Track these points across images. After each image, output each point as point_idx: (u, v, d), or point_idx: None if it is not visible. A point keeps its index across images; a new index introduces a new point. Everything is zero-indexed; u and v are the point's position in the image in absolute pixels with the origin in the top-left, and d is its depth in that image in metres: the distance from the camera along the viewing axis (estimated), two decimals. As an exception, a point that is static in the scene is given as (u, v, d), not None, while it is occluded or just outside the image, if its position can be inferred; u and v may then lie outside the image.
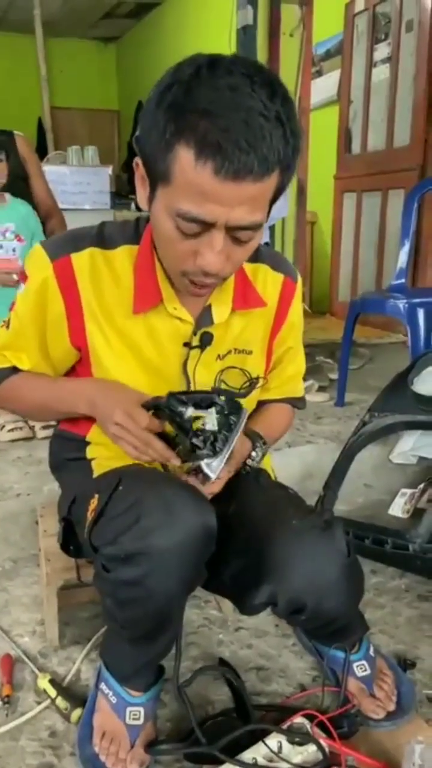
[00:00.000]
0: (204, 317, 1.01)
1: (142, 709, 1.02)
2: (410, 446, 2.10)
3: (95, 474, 1.05)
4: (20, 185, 2.47)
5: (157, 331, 1.00)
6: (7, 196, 2.33)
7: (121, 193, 5.43)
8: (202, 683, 1.16)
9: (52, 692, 1.14)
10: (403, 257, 2.82)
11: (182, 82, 0.77)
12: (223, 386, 1.07)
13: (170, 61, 0.81)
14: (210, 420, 0.90)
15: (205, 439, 0.89)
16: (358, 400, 2.73)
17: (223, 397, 0.93)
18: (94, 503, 0.95)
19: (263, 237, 1.09)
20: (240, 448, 1.02)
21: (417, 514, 1.76)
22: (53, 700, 1.13)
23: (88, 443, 1.10)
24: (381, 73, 3.87)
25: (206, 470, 0.90)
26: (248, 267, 1.05)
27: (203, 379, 1.04)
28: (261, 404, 1.18)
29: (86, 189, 3.69)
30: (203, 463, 0.90)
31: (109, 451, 1.05)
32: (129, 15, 6.65)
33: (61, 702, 1.12)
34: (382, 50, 3.86)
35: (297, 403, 1.23)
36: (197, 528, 0.87)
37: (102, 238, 0.99)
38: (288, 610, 0.97)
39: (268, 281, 1.07)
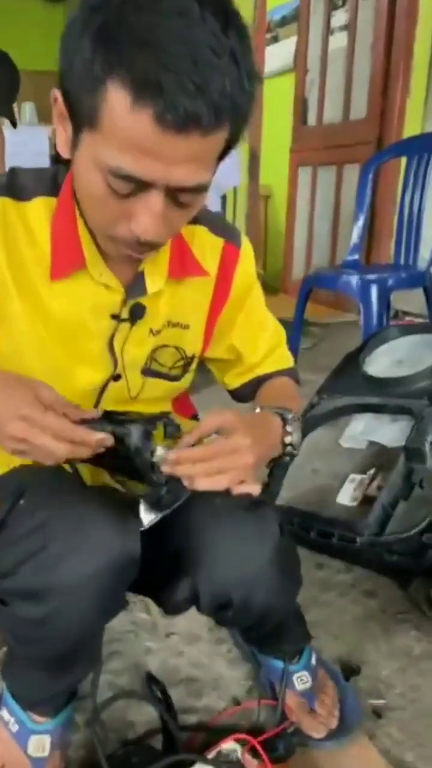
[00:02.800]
0: (136, 286, 0.84)
1: (48, 738, 0.88)
2: (360, 429, 2.01)
3: None
4: None
5: (78, 301, 0.82)
6: None
7: (62, 159, 5.15)
8: (123, 702, 1.03)
9: None
10: (356, 232, 2.72)
11: (115, 2, 0.60)
12: (154, 365, 0.91)
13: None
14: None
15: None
16: (309, 381, 2.61)
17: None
18: None
19: (213, 207, 0.93)
20: (266, 433, 0.84)
21: (366, 501, 1.66)
22: None
23: None
24: (338, 40, 3.72)
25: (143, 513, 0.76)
26: (184, 229, 0.86)
27: (133, 358, 0.88)
28: (254, 384, 1.01)
29: (23, 149, 3.40)
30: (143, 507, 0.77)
31: None
32: (78, -28, 6.30)
33: None
34: (340, 17, 3.71)
35: (293, 374, 1.04)
36: (115, 553, 0.72)
37: (14, 187, 0.80)
38: (212, 605, 0.83)
39: (206, 246, 0.90)
